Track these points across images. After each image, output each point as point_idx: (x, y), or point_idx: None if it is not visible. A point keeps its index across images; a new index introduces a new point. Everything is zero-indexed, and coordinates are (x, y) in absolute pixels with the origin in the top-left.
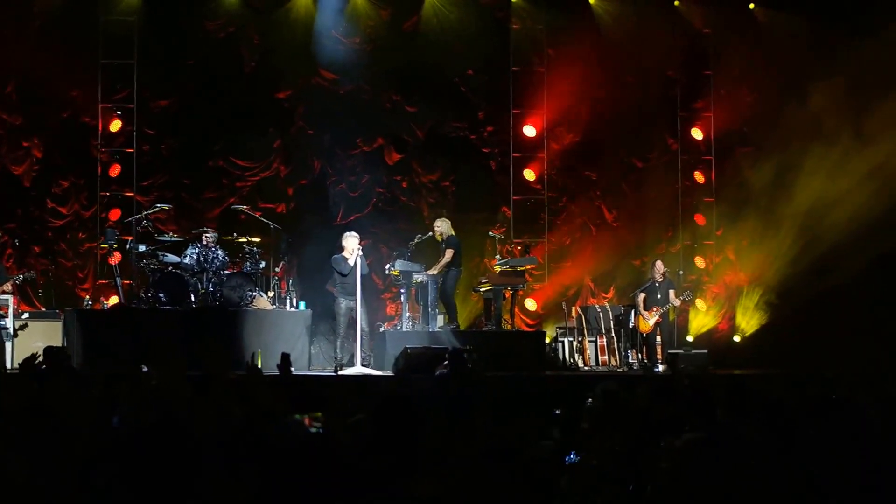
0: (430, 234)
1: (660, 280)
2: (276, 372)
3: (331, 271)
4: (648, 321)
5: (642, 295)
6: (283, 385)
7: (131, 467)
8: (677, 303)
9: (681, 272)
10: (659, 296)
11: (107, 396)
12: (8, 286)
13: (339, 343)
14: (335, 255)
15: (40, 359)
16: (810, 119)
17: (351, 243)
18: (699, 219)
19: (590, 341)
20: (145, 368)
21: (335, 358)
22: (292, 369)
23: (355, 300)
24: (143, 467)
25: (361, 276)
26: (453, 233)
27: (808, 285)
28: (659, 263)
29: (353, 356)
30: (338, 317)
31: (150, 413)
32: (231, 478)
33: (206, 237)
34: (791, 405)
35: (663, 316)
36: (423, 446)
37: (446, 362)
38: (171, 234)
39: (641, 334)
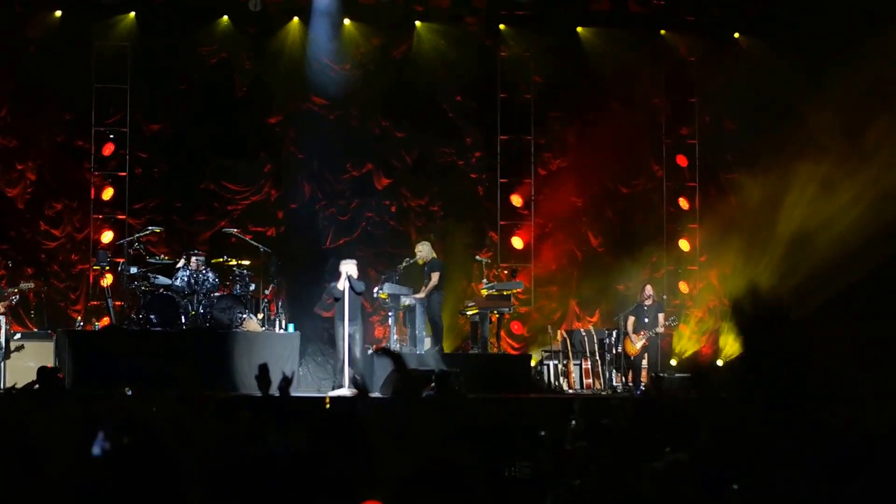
0: (416, 257)
1: (648, 304)
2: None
3: (319, 295)
4: (636, 344)
5: (631, 318)
6: (276, 406)
7: (114, 489)
8: (661, 328)
9: (665, 297)
10: (646, 319)
11: (93, 417)
12: (2, 307)
13: (338, 367)
14: (332, 284)
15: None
16: (794, 145)
17: (345, 268)
18: (683, 244)
19: (574, 364)
20: (129, 392)
21: (334, 380)
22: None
23: (351, 324)
24: (125, 489)
25: (359, 293)
26: (435, 255)
27: (791, 309)
28: (648, 287)
29: (341, 380)
30: (337, 340)
31: (131, 435)
32: (214, 498)
33: (194, 260)
34: (774, 428)
35: (650, 339)
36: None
37: (433, 384)
38: (162, 256)
39: (628, 357)
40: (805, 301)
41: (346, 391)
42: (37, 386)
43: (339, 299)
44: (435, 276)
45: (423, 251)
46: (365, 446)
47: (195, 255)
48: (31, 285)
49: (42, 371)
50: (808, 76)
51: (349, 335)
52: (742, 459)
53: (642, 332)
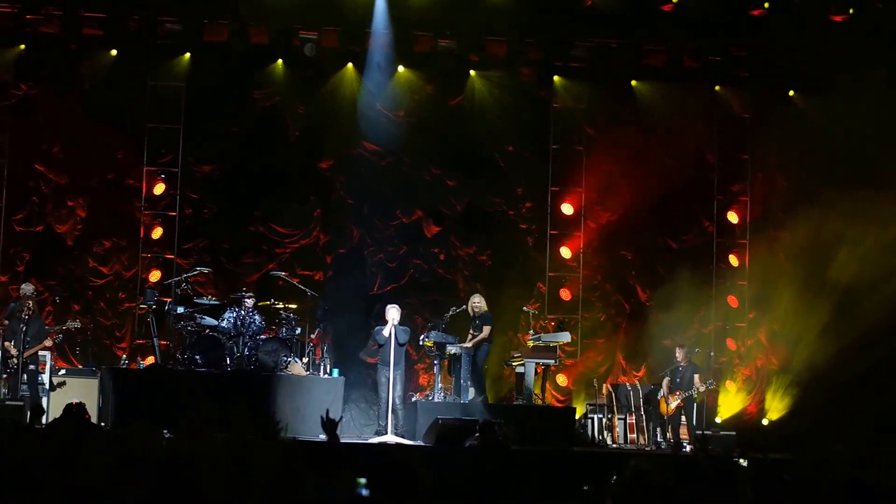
0: (465, 307)
1: (683, 364)
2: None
3: (364, 341)
4: (670, 404)
5: (667, 379)
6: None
7: None
8: (701, 388)
9: (711, 354)
10: (679, 380)
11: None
12: (48, 342)
13: (381, 412)
14: (377, 327)
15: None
16: (847, 204)
17: (390, 314)
18: (732, 301)
19: (619, 419)
20: (168, 434)
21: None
22: (321, 436)
23: (393, 369)
24: None
25: (401, 343)
26: (487, 308)
27: (839, 370)
28: (678, 350)
29: (385, 425)
30: (379, 387)
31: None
32: None
33: (246, 302)
34: (819, 489)
35: (686, 400)
36: None
37: (477, 434)
38: (209, 297)
39: (662, 416)
40: (853, 362)
41: (389, 438)
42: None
43: (382, 345)
44: (486, 330)
45: (480, 304)
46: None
47: (246, 297)
48: (77, 325)
49: (69, 409)
50: (863, 136)
51: (388, 380)
52: None
53: (677, 392)
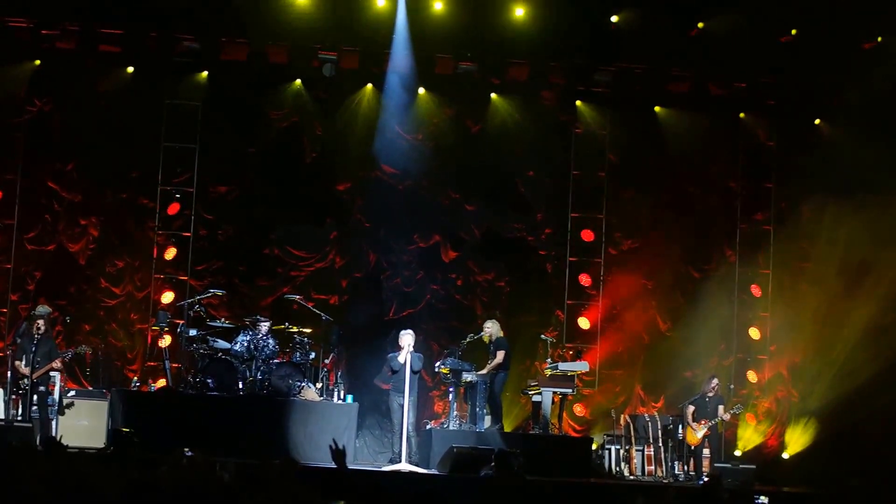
0: (482, 334)
1: (711, 394)
2: (320, 463)
3: (380, 366)
4: (697, 433)
5: (692, 407)
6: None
7: None
8: (727, 417)
9: (731, 386)
10: (708, 409)
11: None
12: (57, 363)
13: (395, 440)
14: (391, 353)
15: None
16: (873, 235)
17: (405, 340)
18: (753, 333)
19: (637, 450)
20: (189, 452)
21: (393, 452)
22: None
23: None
24: None
25: (415, 371)
26: (502, 334)
27: (861, 405)
28: (715, 380)
29: (399, 453)
30: (392, 413)
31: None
32: None
33: (260, 326)
34: None
35: (712, 429)
36: None
37: (492, 463)
38: (222, 319)
39: (689, 446)
40: (876, 397)
41: (403, 466)
42: (111, 449)
43: (397, 371)
44: (500, 355)
45: (493, 330)
46: None
47: (261, 320)
48: (89, 350)
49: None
50: (890, 166)
51: (401, 407)
52: None
53: (703, 421)
